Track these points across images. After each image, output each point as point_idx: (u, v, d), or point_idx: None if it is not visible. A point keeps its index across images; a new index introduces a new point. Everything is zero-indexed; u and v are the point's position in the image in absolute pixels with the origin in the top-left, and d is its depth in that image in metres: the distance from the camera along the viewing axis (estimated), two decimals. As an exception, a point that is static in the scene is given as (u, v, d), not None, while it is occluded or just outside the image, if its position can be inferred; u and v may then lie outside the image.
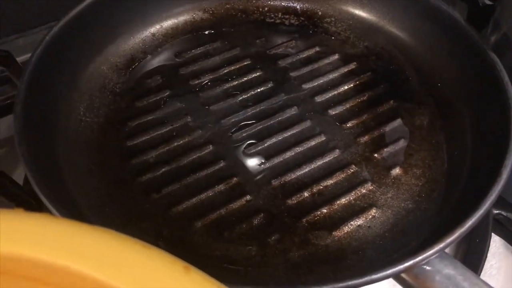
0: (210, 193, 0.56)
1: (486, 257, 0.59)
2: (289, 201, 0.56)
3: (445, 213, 0.54)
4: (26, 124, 0.54)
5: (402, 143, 0.62)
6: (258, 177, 0.58)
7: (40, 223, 0.30)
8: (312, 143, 0.61)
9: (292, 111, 0.65)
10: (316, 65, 0.71)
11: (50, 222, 0.30)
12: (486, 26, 0.69)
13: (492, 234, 0.62)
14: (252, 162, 0.59)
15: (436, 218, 0.54)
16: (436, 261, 0.45)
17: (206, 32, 0.75)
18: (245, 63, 0.71)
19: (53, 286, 0.29)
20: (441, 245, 0.44)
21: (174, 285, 0.26)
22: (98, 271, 0.28)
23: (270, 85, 0.68)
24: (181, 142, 0.61)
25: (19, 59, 0.70)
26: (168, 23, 0.75)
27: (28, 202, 0.59)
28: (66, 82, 0.63)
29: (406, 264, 0.44)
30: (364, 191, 0.57)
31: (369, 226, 0.54)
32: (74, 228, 0.30)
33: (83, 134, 0.61)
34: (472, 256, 0.60)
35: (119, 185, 0.57)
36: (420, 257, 0.44)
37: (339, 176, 0.58)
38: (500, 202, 0.63)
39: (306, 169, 0.59)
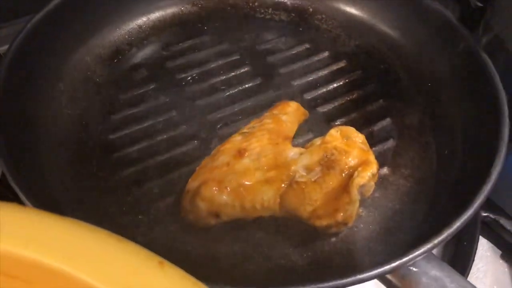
0: (193, 189, 0.55)
1: (473, 260, 0.59)
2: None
3: (433, 214, 0.53)
4: (4, 115, 0.52)
5: (390, 143, 0.61)
6: (244, 174, 0.57)
7: (9, 213, 0.28)
8: (300, 140, 0.60)
9: (280, 107, 0.63)
10: (305, 62, 0.70)
11: (20, 213, 0.29)
12: (478, 28, 0.68)
13: (480, 237, 0.61)
14: (238, 159, 0.58)
15: (423, 219, 0.53)
16: (423, 263, 0.45)
17: (194, 26, 0.74)
18: (234, 58, 0.70)
19: (21, 279, 0.28)
20: (428, 246, 0.43)
21: (148, 280, 0.25)
22: (70, 265, 0.26)
23: (258, 81, 0.67)
24: (165, 136, 0.60)
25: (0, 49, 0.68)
26: (155, 15, 0.73)
27: (5, 196, 0.57)
28: (47, 73, 0.61)
29: (392, 265, 0.43)
30: (351, 190, 0.56)
31: (355, 227, 0.53)
32: (45, 219, 0.28)
33: (64, 127, 0.60)
34: (459, 258, 0.59)
35: (100, 179, 0.56)
36: (406, 258, 0.43)
37: (326, 175, 0.57)
38: (488, 204, 0.62)
39: (293, 166, 0.57)
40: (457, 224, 0.44)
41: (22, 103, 0.56)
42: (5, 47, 0.59)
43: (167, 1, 0.74)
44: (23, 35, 0.58)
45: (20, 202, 0.45)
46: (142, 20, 0.72)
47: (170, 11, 0.74)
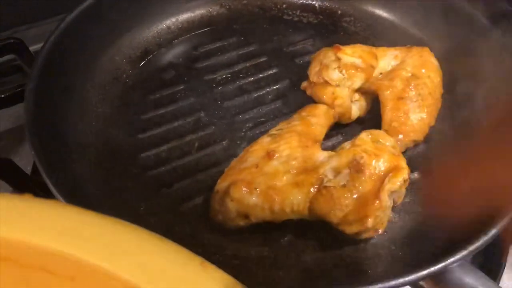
0: (222, 190, 0.55)
1: (504, 267, 0.57)
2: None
3: (465, 220, 0.52)
4: (36, 112, 0.53)
5: (421, 147, 0.60)
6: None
7: (48, 209, 0.28)
8: (329, 143, 0.59)
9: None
10: (334, 65, 0.69)
11: (59, 209, 0.29)
12: (510, 31, 0.67)
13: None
14: (266, 161, 0.58)
15: (455, 225, 0.52)
16: (457, 269, 0.44)
17: (222, 27, 0.74)
18: (261, 59, 0.69)
19: (59, 275, 0.28)
20: (464, 252, 0.42)
21: (192, 280, 0.25)
22: (111, 263, 0.26)
23: (286, 83, 0.67)
24: (194, 137, 0.60)
25: (32, 48, 0.69)
26: (184, 16, 0.74)
27: (35, 193, 0.57)
28: (78, 71, 0.62)
29: (426, 272, 0.42)
30: (381, 194, 0.55)
31: (385, 231, 0.52)
32: (85, 217, 0.28)
33: (94, 126, 0.60)
34: (490, 264, 0.58)
35: (129, 178, 0.56)
36: (440, 265, 0.42)
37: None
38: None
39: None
40: (494, 232, 0.43)
41: (53, 102, 0.57)
42: (38, 45, 0.60)
43: (195, 3, 0.74)
44: (56, 34, 0.59)
45: (50, 197, 0.46)
46: (171, 21, 0.73)
47: (198, 12, 0.75)
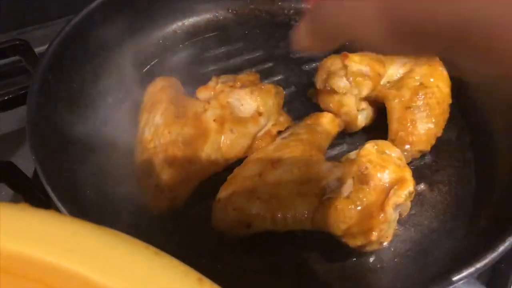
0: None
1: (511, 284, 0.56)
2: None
3: (471, 234, 0.51)
4: (38, 115, 0.52)
5: (428, 158, 0.59)
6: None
7: (45, 221, 0.28)
8: (334, 152, 0.58)
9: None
10: (341, 72, 0.68)
11: (56, 221, 0.28)
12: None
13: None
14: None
15: (462, 240, 0.51)
16: (463, 286, 0.43)
17: (229, 32, 0.73)
18: (268, 65, 0.69)
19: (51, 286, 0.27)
20: (471, 269, 0.41)
21: (186, 297, 0.24)
22: (106, 278, 0.25)
23: (292, 89, 0.66)
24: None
25: (37, 50, 0.69)
26: (190, 21, 0.73)
27: (36, 197, 0.57)
28: (82, 75, 0.61)
29: (432, 288, 0.41)
30: (386, 206, 0.54)
31: (390, 244, 0.51)
32: (81, 229, 0.28)
33: (97, 130, 0.59)
34: (496, 281, 0.56)
35: (130, 184, 0.55)
36: (447, 281, 0.41)
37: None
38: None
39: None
40: (502, 248, 0.42)
41: (56, 105, 0.56)
42: (44, 47, 0.59)
43: (202, 7, 0.74)
44: (61, 37, 0.58)
45: (51, 202, 0.45)
46: (177, 25, 0.72)
47: (205, 17, 0.74)
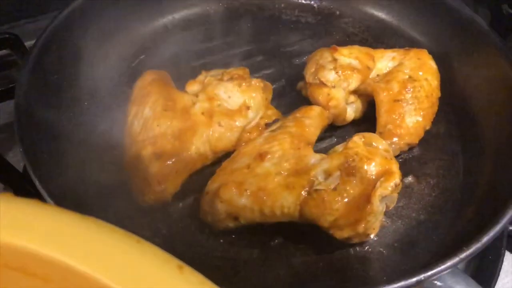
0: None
1: (498, 274, 0.57)
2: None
3: (458, 226, 0.52)
4: (27, 109, 0.52)
5: (416, 151, 0.59)
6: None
7: (28, 210, 0.28)
8: (322, 145, 0.59)
9: (304, 111, 0.62)
10: (331, 66, 0.68)
11: (39, 210, 0.28)
12: (509, 35, 0.66)
13: (506, 251, 0.59)
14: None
15: (449, 231, 0.51)
16: (448, 277, 0.43)
17: (220, 26, 0.73)
18: (258, 59, 0.69)
19: (39, 277, 0.27)
20: (455, 260, 0.41)
21: (167, 284, 0.24)
22: (86, 264, 0.26)
23: (282, 82, 0.66)
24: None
25: (27, 43, 0.68)
26: (180, 14, 0.73)
27: (27, 190, 0.57)
28: (71, 68, 0.61)
29: (417, 278, 0.41)
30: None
31: (378, 236, 0.51)
32: (64, 217, 0.28)
33: (86, 123, 0.59)
34: (483, 272, 0.57)
35: (120, 177, 0.55)
36: (431, 272, 0.41)
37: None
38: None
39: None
40: (486, 239, 0.42)
41: (45, 98, 0.56)
42: (34, 41, 0.59)
43: (193, 1, 0.74)
44: (49, 30, 0.58)
45: (41, 196, 0.45)
46: (167, 19, 0.72)
47: (195, 10, 0.74)
